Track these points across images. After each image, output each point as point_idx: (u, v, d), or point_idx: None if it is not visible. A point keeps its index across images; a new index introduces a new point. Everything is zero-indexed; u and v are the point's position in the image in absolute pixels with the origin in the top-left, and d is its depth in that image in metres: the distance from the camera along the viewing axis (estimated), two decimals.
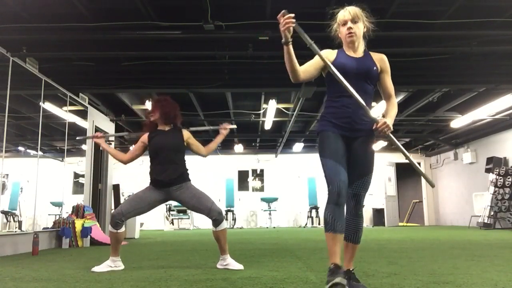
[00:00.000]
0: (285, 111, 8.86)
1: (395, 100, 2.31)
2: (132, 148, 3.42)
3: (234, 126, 3.72)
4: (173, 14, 4.87)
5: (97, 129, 7.49)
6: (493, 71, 6.46)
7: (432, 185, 2.31)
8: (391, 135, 2.13)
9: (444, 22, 4.92)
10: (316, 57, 2.21)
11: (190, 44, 5.57)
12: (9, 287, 2.48)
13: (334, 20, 2.31)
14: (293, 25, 2.05)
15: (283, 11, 2.04)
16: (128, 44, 5.56)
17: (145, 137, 3.34)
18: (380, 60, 2.28)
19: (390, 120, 2.15)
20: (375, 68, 2.22)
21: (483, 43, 5.35)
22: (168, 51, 5.70)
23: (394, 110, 2.26)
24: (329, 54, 2.26)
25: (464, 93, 7.65)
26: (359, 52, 2.26)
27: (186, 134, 3.39)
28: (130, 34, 5.01)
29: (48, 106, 6.07)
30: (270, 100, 7.78)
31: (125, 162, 3.40)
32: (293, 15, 2.02)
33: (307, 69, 2.22)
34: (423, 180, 13.82)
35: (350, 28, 2.21)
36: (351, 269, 2.17)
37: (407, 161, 2.36)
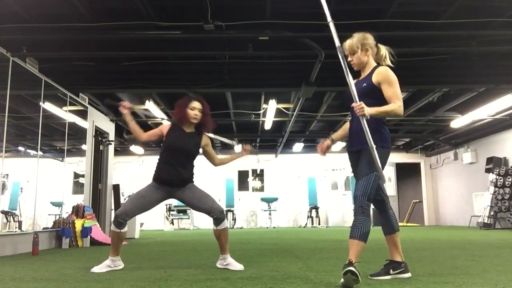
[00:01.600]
0: (285, 111, 8.86)
1: (394, 105, 2.44)
2: (149, 131, 3.34)
3: (255, 150, 3.71)
4: (173, 14, 4.87)
5: (97, 129, 7.49)
6: (493, 71, 6.45)
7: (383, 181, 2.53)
8: (364, 119, 2.34)
9: (444, 22, 4.92)
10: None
11: (190, 44, 5.57)
12: (9, 287, 2.48)
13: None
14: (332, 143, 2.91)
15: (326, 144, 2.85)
16: (128, 44, 5.56)
17: (165, 129, 3.27)
18: (377, 73, 2.52)
19: (374, 109, 2.37)
20: (364, 84, 2.53)
21: (483, 43, 5.35)
22: (168, 51, 5.70)
23: (384, 108, 2.42)
24: (354, 82, 2.60)
25: (464, 93, 7.65)
26: (366, 73, 2.60)
27: (205, 140, 3.35)
28: (130, 34, 5.01)
29: (48, 106, 6.07)
30: (270, 100, 7.78)
31: (141, 139, 3.36)
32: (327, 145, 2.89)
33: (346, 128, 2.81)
34: (423, 180, 13.84)
35: (350, 60, 2.62)
36: (352, 261, 2.25)
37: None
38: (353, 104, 2.37)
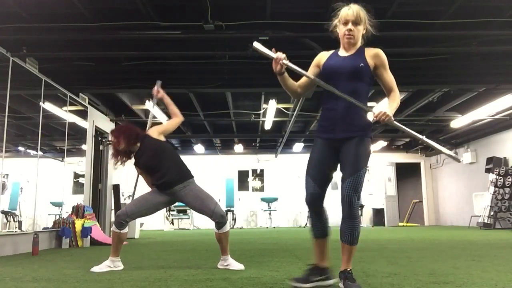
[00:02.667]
0: (285, 111, 8.86)
1: (397, 93, 2.27)
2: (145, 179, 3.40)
3: (159, 82, 3.67)
4: (173, 14, 4.87)
5: (97, 129, 7.49)
6: (493, 71, 6.45)
7: (458, 160, 2.36)
8: (393, 121, 2.12)
9: (444, 22, 4.91)
10: (311, 68, 2.35)
11: (190, 44, 5.57)
12: (9, 287, 2.48)
13: (336, 16, 2.27)
14: (285, 65, 2.20)
15: (279, 56, 2.22)
16: (128, 44, 5.56)
17: (135, 162, 3.33)
18: (374, 55, 2.24)
19: (389, 110, 2.13)
20: (362, 64, 2.19)
21: (483, 43, 5.35)
22: (168, 51, 5.70)
23: (394, 103, 2.22)
24: (323, 57, 2.33)
25: (464, 93, 7.65)
26: (352, 50, 2.25)
27: (154, 132, 3.34)
28: (130, 34, 5.01)
29: (48, 106, 6.07)
30: (270, 100, 7.78)
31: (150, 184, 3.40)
32: (284, 55, 2.21)
33: (303, 83, 2.37)
34: (423, 180, 13.84)
35: (350, 30, 2.19)
36: (348, 269, 2.18)
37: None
38: (376, 115, 2.10)
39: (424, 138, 2.23)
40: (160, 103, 6.43)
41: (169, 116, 3.57)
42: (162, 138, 3.32)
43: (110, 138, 3.32)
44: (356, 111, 2.17)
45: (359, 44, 2.27)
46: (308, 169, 2.27)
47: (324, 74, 2.27)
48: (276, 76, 2.31)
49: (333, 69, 2.23)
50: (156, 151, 3.24)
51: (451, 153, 2.29)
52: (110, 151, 3.37)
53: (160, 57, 6.12)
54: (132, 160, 3.41)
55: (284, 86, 2.34)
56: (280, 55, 2.19)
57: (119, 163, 3.30)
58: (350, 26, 2.19)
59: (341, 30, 2.24)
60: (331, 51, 2.34)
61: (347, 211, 2.17)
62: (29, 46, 5.20)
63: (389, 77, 2.26)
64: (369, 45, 2.34)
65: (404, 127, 2.21)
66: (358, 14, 2.19)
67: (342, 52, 2.28)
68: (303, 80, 2.35)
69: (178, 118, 3.48)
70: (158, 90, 3.55)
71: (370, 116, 2.20)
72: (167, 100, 3.55)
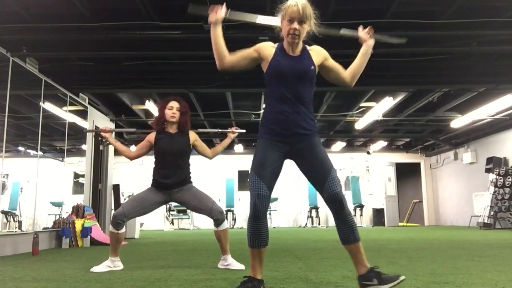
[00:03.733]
0: None
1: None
2: (137, 146, 3.38)
3: (243, 131, 3.70)
4: (173, 14, 4.87)
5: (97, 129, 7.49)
6: (493, 71, 6.46)
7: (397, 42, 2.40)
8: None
9: (444, 22, 4.92)
10: (251, 48, 2.14)
11: (190, 44, 5.57)
12: (9, 287, 2.48)
13: (281, 10, 2.09)
14: (225, 15, 2.00)
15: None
16: (128, 44, 5.56)
17: (152, 137, 3.31)
18: (318, 53, 2.16)
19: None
20: (312, 67, 2.10)
21: (483, 43, 5.35)
22: (168, 51, 5.70)
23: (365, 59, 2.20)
24: (268, 48, 2.15)
25: (464, 93, 7.65)
26: (297, 51, 2.12)
27: (192, 136, 3.36)
28: (130, 34, 5.01)
29: (48, 106, 6.07)
30: None
31: (131, 158, 3.37)
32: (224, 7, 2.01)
33: (235, 58, 2.12)
34: (423, 180, 13.84)
35: (295, 29, 2.03)
36: (373, 267, 2.02)
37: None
38: (364, 30, 2.11)
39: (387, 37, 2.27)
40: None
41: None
42: (190, 143, 3.33)
43: (175, 104, 3.24)
44: (308, 115, 2.11)
45: (300, 43, 2.13)
46: (255, 167, 2.09)
47: (272, 72, 2.10)
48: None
49: (282, 69, 2.07)
50: (181, 150, 3.24)
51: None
52: (157, 115, 3.32)
53: (160, 57, 6.12)
54: (133, 161, 3.41)
55: (216, 44, 2.09)
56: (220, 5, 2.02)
57: (157, 125, 3.28)
58: (295, 25, 2.02)
59: (285, 27, 2.07)
60: (275, 44, 2.17)
61: (341, 210, 2.02)
62: (29, 46, 5.20)
63: (337, 64, 2.20)
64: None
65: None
66: (305, 11, 2.02)
67: (289, 51, 2.12)
68: (238, 56, 2.13)
69: (210, 155, 3.49)
70: (104, 130, 3.45)
71: (347, 31, 2.21)
72: (225, 143, 3.58)
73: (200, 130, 3.61)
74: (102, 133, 3.38)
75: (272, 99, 2.14)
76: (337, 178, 2.05)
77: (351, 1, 4.68)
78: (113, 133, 3.49)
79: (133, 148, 3.44)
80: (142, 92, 7.78)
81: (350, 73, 2.21)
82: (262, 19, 2.02)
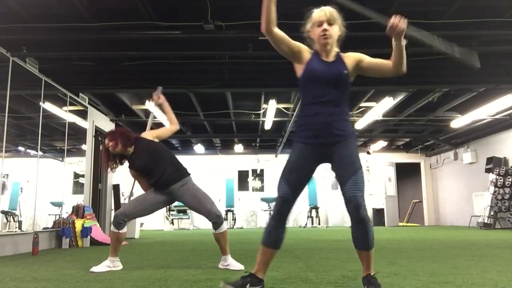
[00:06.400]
0: (285, 111, 8.86)
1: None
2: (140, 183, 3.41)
3: (160, 88, 3.69)
4: (173, 14, 4.87)
5: (97, 129, 7.49)
6: (493, 71, 6.45)
7: (476, 67, 2.17)
8: (400, 40, 2.06)
9: (444, 22, 4.91)
10: (295, 43, 2.19)
11: (190, 44, 5.57)
12: (9, 287, 2.48)
13: (308, 20, 2.19)
14: None
15: None
16: (128, 44, 5.56)
17: (131, 172, 3.33)
18: (351, 57, 2.20)
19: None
20: (345, 71, 2.14)
21: (483, 43, 5.34)
22: (168, 51, 5.70)
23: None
24: (307, 51, 2.21)
25: (464, 93, 7.65)
26: (331, 56, 2.18)
27: (149, 135, 3.36)
28: (130, 34, 5.01)
29: (48, 106, 6.07)
30: (270, 100, 7.78)
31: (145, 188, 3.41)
32: None
33: (281, 34, 2.16)
34: (423, 180, 13.84)
35: (325, 29, 2.11)
36: (371, 274, 2.08)
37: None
38: (395, 20, 2.05)
39: (441, 44, 2.13)
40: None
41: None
42: (156, 141, 3.34)
43: (105, 141, 3.25)
44: (343, 116, 2.14)
45: (335, 49, 2.20)
46: (284, 173, 2.14)
47: (307, 76, 2.16)
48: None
49: (317, 74, 2.13)
50: (152, 152, 3.24)
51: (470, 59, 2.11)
52: (102, 156, 3.34)
53: (160, 57, 6.12)
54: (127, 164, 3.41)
55: (265, 8, 2.10)
56: None
57: (110, 168, 3.29)
58: (325, 26, 2.11)
59: (315, 33, 2.15)
60: (311, 51, 2.22)
61: (356, 216, 2.01)
62: (29, 46, 5.20)
63: (374, 59, 2.20)
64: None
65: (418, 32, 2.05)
66: (332, 13, 2.13)
67: (323, 57, 2.18)
68: (285, 38, 2.16)
69: (174, 126, 3.50)
70: (159, 96, 3.57)
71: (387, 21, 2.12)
72: (167, 107, 3.57)
73: (148, 128, 3.69)
74: (155, 99, 3.56)
75: (306, 102, 2.20)
76: (359, 181, 2.03)
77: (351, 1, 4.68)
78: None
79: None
80: (142, 92, 7.78)
81: (393, 63, 2.16)
82: None
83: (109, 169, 3.30)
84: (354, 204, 2.00)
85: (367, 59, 2.21)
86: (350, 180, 2.03)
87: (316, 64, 2.15)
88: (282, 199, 2.11)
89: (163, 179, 3.16)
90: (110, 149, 3.23)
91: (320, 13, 2.13)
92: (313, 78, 2.13)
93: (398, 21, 2.01)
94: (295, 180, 2.12)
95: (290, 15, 2.35)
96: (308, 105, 2.18)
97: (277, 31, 2.13)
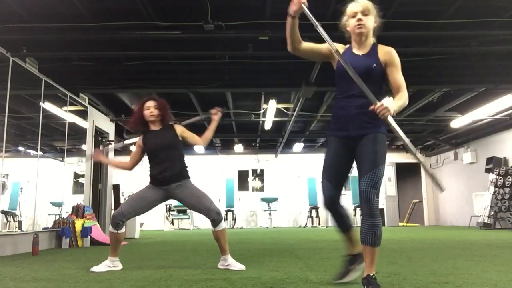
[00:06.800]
0: (285, 111, 8.86)
1: (405, 93, 2.17)
2: (130, 155, 3.39)
3: (225, 110, 3.68)
4: (173, 14, 4.87)
5: (97, 130, 7.49)
6: (493, 71, 6.45)
7: (442, 189, 2.19)
8: (390, 119, 2.00)
9: (444, 22, 4.91)
10: (324, 44, 2.23)
11: (190, 44, 5.57)
12: (9, 287, 2.48)
13: (343, 14, 2.25)
14: (304, 5, 2.06)
15: None
16: (128, 44, 5.56)
17: (140, 141, 3.34)
18: (386, 53, 2.20)
19: (391, 105, 2.03)
20: (374, 65, 2.15)
21: (483, 43, 5.35)
22: (168, 51, 5.70)
23: (400, 101, 2.12)
24: (339, 49, 2.24)
25: (464, 93, 7.65)
26: (366, 48, 2.22)
27: (179, 129, 3.36)
28: (130, 34, 5.01)
29: (48, 106, 6.07)
30: (270, 100, 7.78)
31: (129, 169, 3.40)
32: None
33: (308, 46, 2.25)
34: (423, 180, 13.84)
35: (360, 19, 2.16)
36: (371, 274, 2.06)
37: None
38: (374, 107, 1.98)
39: (417, 153, 2.17)
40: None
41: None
42: (178, 137, 3.32)
43: (148, 103, 3.25)
44: (370, 113, 2.09)
45: (371, 40, 2.23)
46: (324, 171, 2.26)
47: (338, 72, 2.22)
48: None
49: (345, 68, 2.14)
50: (170, 144, 3.24)
51: (438, 180, 2.12)
52: (134, 115, 3.31)
53: (160, 57, 6.12)
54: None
55: (289, 32, 2.17)
56: None
57: (134, 131, 3.32)
58: (359, 15, 2.16)
59: (350, 24, 2.21)
60: (346, 46, 2.29)
61: (367, 209, 2.07)
62: (29, 46, 5.20)
63: (399, 76, 2.19)
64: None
65: (401, 133, 2.04)
66: (366, 4, 2.18)
67: (355, 50, 2.24)
68: (312, 46, 2.26)
69: (202, 143, 3.43)
70: (96, 156, 3.60)
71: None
72: (212, 126, 3.49)
73: (184, 122, 3.60)
74: (94, 158, 3.50)
75: (338, 96, 2.28)
76: (375, 178, 2.07)
77: (351, 1, 4.68)
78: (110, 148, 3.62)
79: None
80: (142, 92, 7.75)
81: (395, 93, 2.20)
82: (320, 29, 2.16)
83: (130, 129, 3.33)
84: (365, 198, 2.07)
85: (392, 67, 2.19)
86: (366, 176, 2.09)
87: (347, 58, 2.16)
88: (327, 199, 2.27)
89: (164, 175, 3.16)
90: (149, 114, 3.23)
91: (355, 5, 2.19)
92: (343, 73, 2.15)
93: (379, 109, 1.99)
94: (335, 177, 2.25)
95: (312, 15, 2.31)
96: (339, 98, 2.26)
97: (303, 46, 2.23)
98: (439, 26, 4.97)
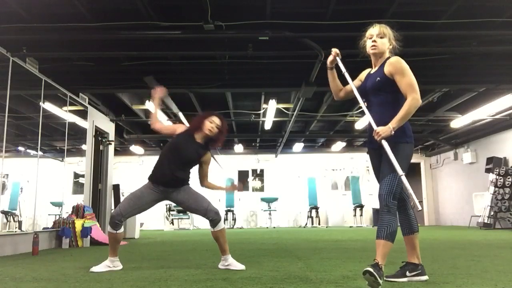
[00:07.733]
0: (285, 111, 8.86)
1: (410, 100, 2.33)
2: (165, 124, 3.39)
3: (242, 191, 3.66)
4: (173, 14, 4.87)
5: (97, 129, 7.49)
6: (493, 71, 6.45)
7: (417, 209, 2.30)
8: (384, 143, 2.29)
9: (444, 22, 4.92)
10: (358, 78, 2.66)
11: (190, 44, 5.57)
12: (9, 287, 2.48)
13: (363, 37, 2.55)
14: (338, 58, 2.55)
15: (335, 50, 2.58)
16: (128, 44, 5.56)
17: (179, 129, 3.31)
18: (390, 64, 2.42)
19: (390, 125, 2.29)
20: (378, 78, 2.43)
21: (483, 43, 5.35)
22: (168, 51, 5.70)
23: (402, 112, 2.32)
24: (363, 75, 2.64)
25: (464, 93, 7.65)
26: (378, 64, 2.51)
27: (207, 156, 3.32)
28: (130, 34, 5.00)
29: (48, 106, 6.07)
30: (270, 100, 7.78)
31: (154, 126, 3.40)
32: (338, 51, 2.57)
33: (346, 90, 2.70)
34: (423, 180, 13.85)
35: (374, 41, 2.48)
36: (378, 261, 2.20)
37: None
38: (374, 133, 2.33)
39: (411, 191, 2.32)
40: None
41: (169, 116, 3.56)
42: (200, 158, 3.28)
43: (218, 120, 3.24)
44: (384, 120, 2.34)
45: (385, 56, 2.51)
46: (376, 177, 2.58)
47: (360, 91, 2.57)
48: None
49: (363, 87, 2.55)
50: (193, 159, 3.23)
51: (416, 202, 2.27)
52: (199, 120, 3.28)
53: (160, 57, 6.12)
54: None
55: (331, 83, 2.70)
56: (336, 50, 2.57)
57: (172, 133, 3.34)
58: (374, 37, 2.48)
59: (367, 45, 2.52)
60: (370, 69, 2.62)
61: (384, 208, 2.37)
62: (29, 46, 5.20)
63: (403, 83, 2.37)
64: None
65: (392, 157, 2.27)
66: (382, 28, 2.50)
67: (373, 69, 2.57)
68: (346, 87, 2.67)
69: (204, 182, 3.38)
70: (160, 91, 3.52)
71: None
72: (222, 188, 3.49)
73: (215, 156, 3.57)
74: (153, 92, 3.42)
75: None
76: (388, 183, 2.35)
77: (351, 1, 4.68)
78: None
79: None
80: (142, 92, 7.77)
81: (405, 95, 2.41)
82: (347, 75, 2.63)
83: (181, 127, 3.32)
84: (381, 200, 2.39)
85: (398, 76, 2.39)
86: (383, 181, 2.40)
87: (367, 80, 2.55)
88: (379, 196, 2.46)
89: (167, 178, 3.15)
90: (208, 127, 3.20)
91: (373, 29, 2.52)
92: (361, 90, 2.56)
93: (374, 134, 2.34)
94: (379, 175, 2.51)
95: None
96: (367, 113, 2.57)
97: (344, 93, 2.71)
98: (439, 26, 4.97)
